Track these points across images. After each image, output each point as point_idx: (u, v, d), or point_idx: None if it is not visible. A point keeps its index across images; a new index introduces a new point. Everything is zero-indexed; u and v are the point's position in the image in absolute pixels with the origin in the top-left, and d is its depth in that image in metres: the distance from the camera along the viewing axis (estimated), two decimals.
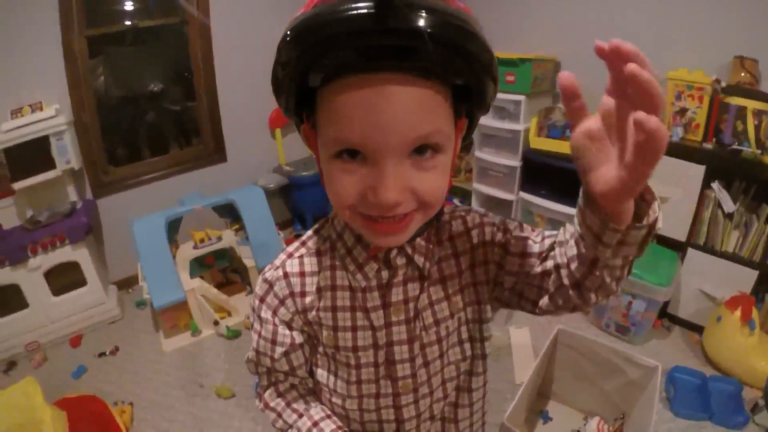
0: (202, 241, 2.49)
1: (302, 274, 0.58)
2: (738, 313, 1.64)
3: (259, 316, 0.60)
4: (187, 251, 2.45)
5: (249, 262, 2.50)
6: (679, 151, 1.80)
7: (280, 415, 0.64)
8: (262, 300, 0.60)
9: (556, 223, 2.37)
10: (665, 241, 1.94)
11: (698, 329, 1.93)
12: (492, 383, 1.81)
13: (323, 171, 0.48)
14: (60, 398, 1.80)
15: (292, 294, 0.58)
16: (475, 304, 0.62)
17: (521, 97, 2.32)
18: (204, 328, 2.41)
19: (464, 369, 0.64)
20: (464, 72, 0.42)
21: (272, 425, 0.66)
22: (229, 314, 2.50)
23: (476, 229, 0.61)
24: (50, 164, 2.30)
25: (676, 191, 1.83)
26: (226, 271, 2.84)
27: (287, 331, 0.60)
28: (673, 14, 1.96)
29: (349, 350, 0.59)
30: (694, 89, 1.77)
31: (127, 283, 2.90)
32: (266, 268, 0.61)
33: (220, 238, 2.52)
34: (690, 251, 1.88)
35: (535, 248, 0.57)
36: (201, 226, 2.59)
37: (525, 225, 0.61)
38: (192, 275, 2.42)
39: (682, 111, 1.81)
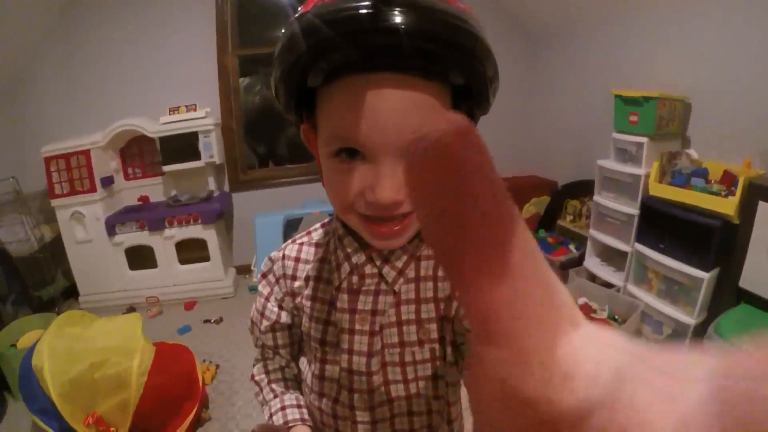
0: None
1: (297, 260, 0.61)
2: None
3: (259, 290, 0.64)
4: None
5: None
6: None
7: (261, 390, 0.67)
8: (264, 276, 0.63)
9: (670, 282, 2.05)
10: None
11: None
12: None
13: (322, 171, 0.48)
14: (159, 341, 2.04)
15: (284, 276, 0.61)
16: (441, 343, 0.57)
17: (644, 139, 2.10)
18: None
19: (436, 408, 0.58)
20: (464, 72, 0.41)
21: (255, 397, 0.69)
22: None
23: None
24: (196, 156, 2.78)
25: None
26: None
27: (276, 308, 0.62)
28: None
29: (318, 342, 0.59)
30: None
31: (246, 270, 3.23)
32: (274, 250, 0.65)
33: None
34: None
35: None
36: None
37: None
38: None
39: None
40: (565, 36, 3.04)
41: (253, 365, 0.70)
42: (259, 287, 0.64)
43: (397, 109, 0.40)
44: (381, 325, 0.55)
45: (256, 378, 0.68)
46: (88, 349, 1.59)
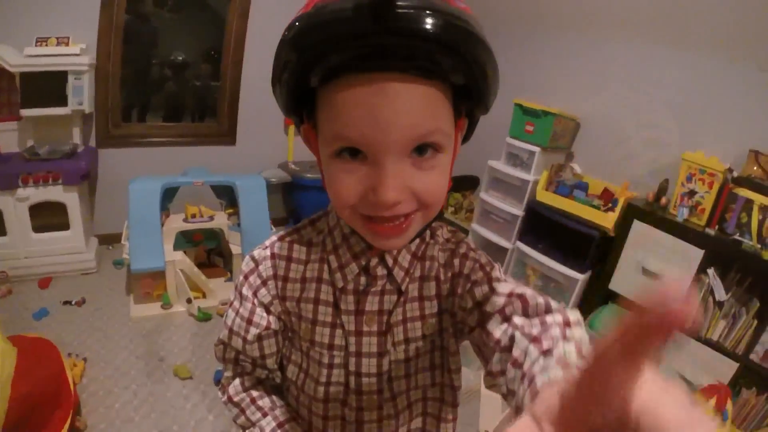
0: (193, 216, 2.46)
1: (289, 259, 0.58)
2: (712, 401, 1.63)
3: (240, 293, 0.58)
4: (177, 222, 2.42)
5: (235, 249, 2.48)
6: (681, 231, 1.83)
7: (243, 411, 0.61)
8: (246, 277, 0.58)
9: (546, 279, 2.38)
10: None
11: None
12: (459, 426, 1.76)
13: (324, 171, 0.48)
14: (15, 335, 1.72)
15: (275, 276, 0.57)
16: (440, 334, 0.60)
17: (536, 149, 2.35)
18: (176, 303, 2.36)
19: (431, 395, 0.62)
20: (464, 72, 0.41)
21: (233, 420, 0.63)
22: (204, 296, 2.45)
23: (462, 259, 0.57)
24: (62, 101, 2.27)
25: (671, 270, 1.86)
26: (211, 253, 2.81)
27: (264, 314, 0.58)
28: (697, 97, 2.01)
29: (324, 347, 0.57)
30: (706, 174, 1.81)
31: (109, 239, 2.86)
32: (256, 247, 0.60)
33: (212, 218, 2.50)
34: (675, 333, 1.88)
35: (496, 333, 0.48)
36: (196, 202, 2.56)
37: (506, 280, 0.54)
38: (176, 248, 2.38)
39: (691, 193, 1.86)
40: None
41: (225, 386, 0.63)
42: (242, 291, 0.58)
43: (398, 109, 0.40)
44: (389, 324, 0.56)
45: (235, 399, 0.61)
46: None
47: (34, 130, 2.38)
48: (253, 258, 0.58)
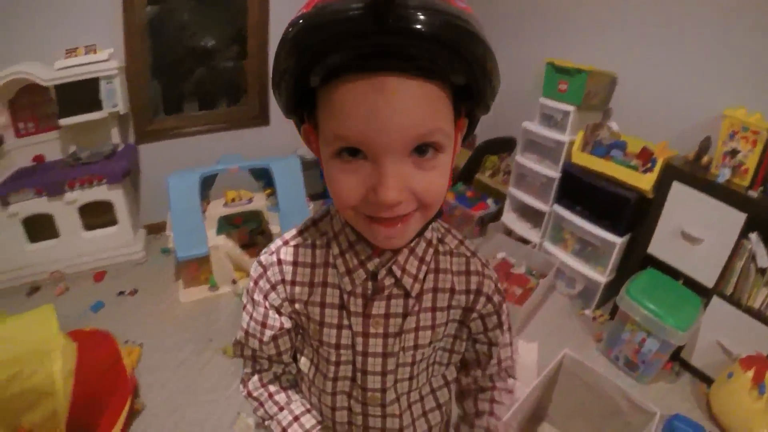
0: (233, 200, 2.54)
1: (295, 264, 0.60)
2: (750, 373, 1.54)
3: (252, 298, 0.62)
4: (218, 208, 2.51)
5: (275, 229, 2.53)
6: (723, 193, 1.68)
7: (262, 405, 0.66)
8: (255, 282, 0.61)
9: (584, 243, 2.28)
10: (692, 285, 1.83)
11: (708, 381, 1.83)
12: None
13: (324, 171, 0.48)
14: (74, 329, 1.86)
15: (283, 281, 0.60)
16: (452, 338, 0.66)
17: (571, 108, 2.22)
18: (222, 285, 2.48)
19: (433, 394, 0.69)
20: (465, 72, 0.41)
21: (254, 412, 0.68)
22: (248, 275, 2.54)
23: (476, 276, 0.63)
24: (97, 106, 2.39)
25: (712, 234, 1.72)
26: (253, 233, 2.89)
27: (277, 316, 0.61)
28: (738, 49, 1.82)
29: (332, 347, 0.61)
30: (749, 131, 1.63)
31: (156, 228, 2.99)
32: (263, 252, 0.62)
33: (250, 200, 2.57)
34: (715, 299, 1.77)
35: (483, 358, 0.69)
36: (235, 186, 2.63)
37: (506, 333, 0.69)
38: (219, 232, 2.48)
39: (733, 152, 1.68)
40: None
41: (244, 381, 0.69)
42: (254, 296, 0.62)
43: (398, 109, 0.40)
44: (400, 328, 0.59)
45: (254, 394, 0.67)
46: None
47: (75, 136, 2.52)
48: (260, 264, 0.61)
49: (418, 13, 0.36)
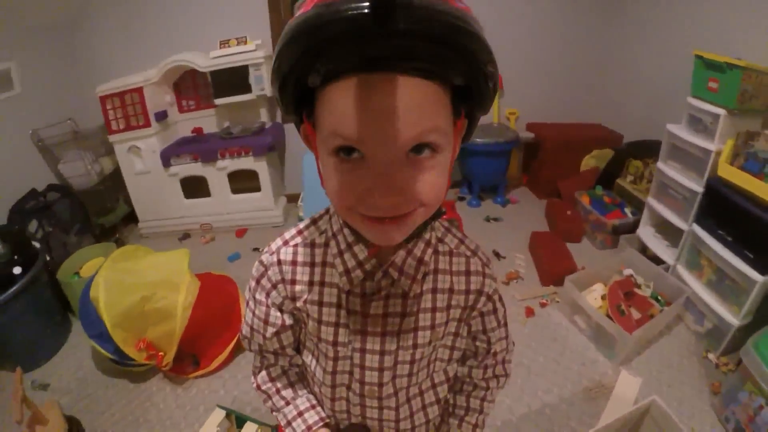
0: None
1: (294, 263, 0.61)
2: None
3: (254, 297, 0.64)
4: None
5: None
6: None
7: (270, 398, 0.72)
8: (257, 281, 0.63)
9: (723, 274, 1.90)
10: None
11: None
12: (572, 420, 1.70)
13: (322, 170, 0.49)
14: (206, 272, 2.26)
15: (283, 280, 0.61)
16: (453, 335, 0.66)
17: (722, 111, 1.83)
18: None
19: (427, 393, 0.70)
20: (464, 72, 0.41)
21: (263, 403, 0.73)
22: None
23: (477, 276, 0.63)
24: (247, 89, 2.79)
25: None
26: None
27: (278, 313, 0.64)
28: None
29: (330, 344, 0.62)
30: None
31: (296, 198, 3.31)
32: (264, 251, 0.64)
33: None
34: None
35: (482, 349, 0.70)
36: None
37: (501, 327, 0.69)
38: None
39: None
40: None
41: (254, 374, 0.73)
42: (256, 295, 0.64)
43: (397, 109, 0.40)
44: (399, 328, 0.60)
45: (263, 387, 0.72)
46: (138, 283, 1.78)
47: (228, 114, 3.01)
48: (262, 263, 0.63)
49: (418, 14, 0.36)
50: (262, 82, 2.77)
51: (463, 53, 0.39)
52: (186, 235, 3.04)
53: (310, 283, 0.60)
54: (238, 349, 2.03)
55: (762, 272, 1.67)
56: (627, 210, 2.75)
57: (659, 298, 2.13)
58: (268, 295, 0.63)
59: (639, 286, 2.21)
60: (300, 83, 0.43)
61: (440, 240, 0.62)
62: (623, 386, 1.82)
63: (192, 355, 1.94)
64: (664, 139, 2.22)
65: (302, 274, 0.61)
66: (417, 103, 0.40)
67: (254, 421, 1.48)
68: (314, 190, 2.87)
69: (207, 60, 2.70)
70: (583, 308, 2.05)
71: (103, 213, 3.00)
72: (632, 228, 2.63)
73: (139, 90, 2.73)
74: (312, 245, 0.61)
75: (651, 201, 2.39)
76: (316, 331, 0.62)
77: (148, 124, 2.78)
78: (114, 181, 3.01)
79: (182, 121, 3.09)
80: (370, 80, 0.39)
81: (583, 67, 3.30)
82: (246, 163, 2.90)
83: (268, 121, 3.08)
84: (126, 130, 2.80)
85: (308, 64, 0.40)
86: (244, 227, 3.10)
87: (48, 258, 2.30)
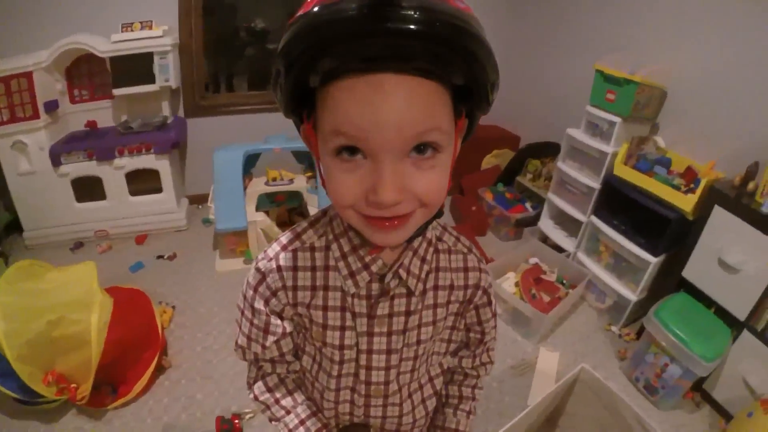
0: (274, 179, 2.61)
1: (295, 269, 0.59)
2: None
3: (252, 306, 0.62)
4: (259, 186, 2.59)
5: (314, 210, 2.56)
6: (766, 224, 1.56)
7: (269, 408, 0.69)
8: (255, 290, 0.61)
9: (619, 258, 2.22)
10: (723, 315, 1.73)
11: (727, 416, 1.74)
12: (507, 396, 1.71)
13: (323, 170, 0.48)
14: (113, 286, 2.00)
15: (284, 287, 0.59)
16: (450, 329, 0.69)
17: (617, 119, 2.14)
18: None
19: (426, 386, 0.73)
20: (464, 72, 0.41)
21: (261, 413, 0.72)
22: None
23: (474, 272, 0.65)
24: (150, 79, 2.50)
25: (750, 265, 1.61)
26: (292, 212, 2.96)
27: (279, 321, 0.62)
28: None
29: (336, 347, 0.62)
30: None
31: (199, 199, 3.13)
32: (260, 257, 0.61)
33: (291, 181, 2.63)
34: (745, 333, 1.66)
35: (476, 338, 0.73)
36: (278, 166, 2.70)
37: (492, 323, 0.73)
38: (259, 208, 2.56)
39: None
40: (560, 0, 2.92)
41: (250, 384, 0.70)
42: (254, 304, 0.61)
43: (397, 108, 0.40)
44: (405, 326, 0.61)
45: (261, 398, 0.69)
46: (43, 307, 1.51)
47: (127, 106, 2.66)
48: (259, 270, 0.60)
49: (418, 14, 0.36)
50: (168, 72, 2.49)
51: (462, 53, 0.40)
52: (79, 244, 2.62)
53: (313, 288, 0.59)
54: (158, 370, 1.83)
55: (655, 254, 2.00)
56: (528, 205, 3.05)
57: (564, 281, 2.41)
58: (267, 303, 0.60)
59: (545, 273, 2.48)
60: (300, 83, 0.42)
61: (439, 238, 0.64)
62: (544, 361, 2.04)
63: (109, 384, 1.69)
64: (564, 141, 2.50)
65: (304, 279, 0.59)
66: (418, 102, 0.40)
67: None
68: (226, 188, 2.74)
69: (107, 44, 2.35)
70: (500, 296, 2.23)
71: None
72: (533, 221, 2.92)
73: (28, 75, 2.27)
74: (312, 249, 0.59)
75: (551, 196, 2.68)
76: (321, 336, 0.61)
77: (36, 116, 2.32)
78: None
79: (74, 113, 2.63)
80: (371, 80, 0.39)
81: None
82: (147, 161, 2.60)
83: (170, 115, 2.79)
84: (10, 122, 2.32)
85: (309, 64, 0.40)
86: (145, 233, 2.78)
87: None
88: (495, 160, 3.47)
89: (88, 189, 2.58)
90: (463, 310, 0.68)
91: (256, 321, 0.62)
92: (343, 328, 0.60)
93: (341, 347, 0.62)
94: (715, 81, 1.96)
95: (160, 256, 2.59)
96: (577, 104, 2.44)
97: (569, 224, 2.64)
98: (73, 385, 1.55)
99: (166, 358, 1.90)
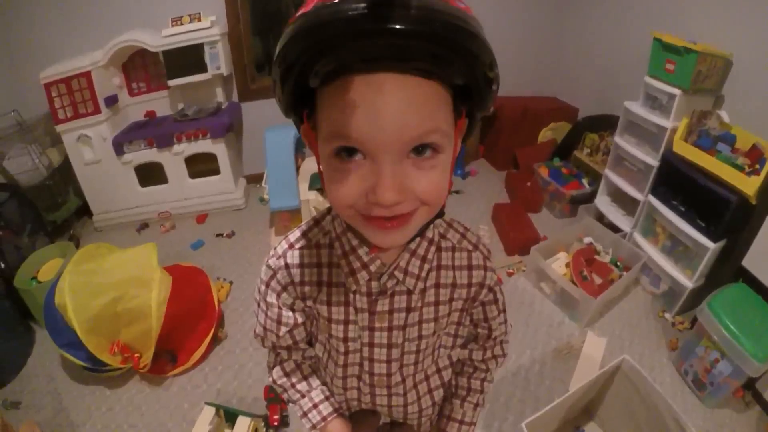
0: None
1: (301, 266, 0.62)
2: None
3: (265, 299, 0.66)
4: (311, 165, 2.63)
5: None
6: None
7: (286, 391, 0.75)
8: (267, 285, 0.65)
9: (676, 241, 2.07)
10: None
11: None
12: (547, 380, 1.77)
13: (323, 171, 0.49)
14: (173, 264, 2.18)
15: (292, 283, 0.63)
16: (455, 325, 0.70)
17: (677, 91, 1.95)
18: None
19: (433, 377, 0.74)
20: (464, 73, 0.41)
21: (280, 395, 0.77)
22: None
23: (478, 270, 0.65)
24: (202, 68, 2.63)
25: None
26: None
27: (290, 313, 0.66)
28: None
29: (341, 340, 0.65)
30: None
31: (256, 179, 3.25)
32: (270, 254, 0.65)
33: None
34: None
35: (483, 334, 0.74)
36: None
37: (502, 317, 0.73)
38: (311, 187, 2.60)
39: None
40: None
41: (269, 368, 0.76)
42: (267, 298, 0.65)
43: (397, 109, 0.40)
44: (405, 321, 0.63)
45: (279, 382, 0.74)
46: (106, 284, 1.68)
47: (182, 95, 2.82)
48: (269, 267, 0.64)
49: (417, 14, 0.36)
50: (218, 61, 2.60)
51: (462, 53, 0.39)
52: (144, 225, 2.88)
53: (319, 284, 0.62)
54: (215, 341, 1.99)
55: (713, 239, 1.84)
56: (584, 181, 2.89)
57: (618, 263, 2.29)
58: (278, 296, 0.64)
59: (599, 253, 2.36)
60: (300, 83, 0.42)
61: (442, 236, 0.63)
62: (590, 346, 1.97)
63: (168, 352, 1.87)
64: (622, 115, 2.33)
65: (310, 276, 0.62)
66: (418, 103, 0.40)
67: (245, 414, 1.47)
68: (278, 168, 2.79)
69: (158, 39, 2.49)
70: (549, 276, 2.17)
71: (53, 209, 2.76)
72: (589, 198, 2.77)
73: (86, 74, 2.47)
74: (317, 246, 0.62)
75: (608, 173, 2.52)
76: (327, 329, 0.65)
77: (97, 111, 2.55)
78: (63, 174, 2.77)
79: (133, 104, 2.86)
80: (371, 80, 0.39)
81: (540, 42, 3.35)
82: (204, 146, 2.76)
83: (225, 101, 2.93)
84: (74, 118, 2.55)
85: (308, 64, 0.40)
86: (205, 212, 2.98)
87: (2, 265, 2.11)
88: (551, 133, 3.30)
89: (151, 173, 2.80)
90: (468, 307, 0.68)
91: (269, 313, 0.66)
92: (346, 322, 0.63)
93: (345, 339, 0.65)
94: None
95: (219, 234, 2.76)
96: (635, 75, 2.26)
97: (627, 203, 2.48)
98: (136, 355, 1.74)
99: (222, 330, 2.05)
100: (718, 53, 1.88)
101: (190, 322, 1.93)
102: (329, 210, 0.63)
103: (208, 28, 2.52)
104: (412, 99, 0.40)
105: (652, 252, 2.19)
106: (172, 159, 2.75)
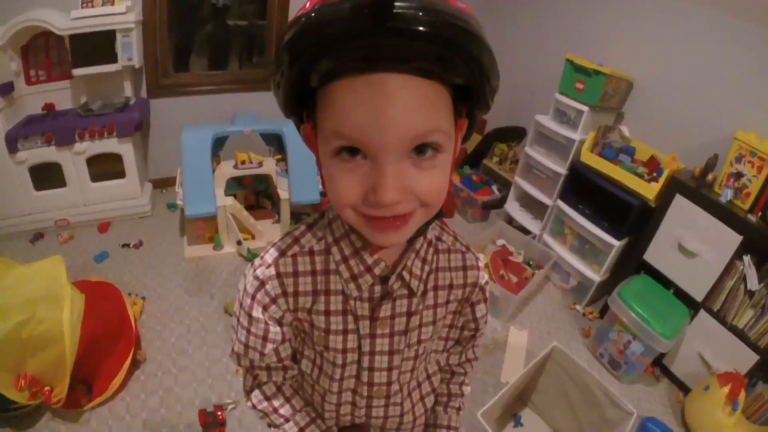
0: (243, 162, 2.52)
1: (295, 274, 0.58)
2: (726, 389, 1.61)
3: (250, 314, 0.60)
4: (227, 169, 2.50)
5: (283, 194, 2.53)
6: (722, 213, 1.72)
7: (267, 416, 0.69)
8: (252, 297, 0.59)
9: (583, 240, 2.34)
10: (682, 296, 1.90)
11: (685, 389, 1.91)
12: (479, 373, 1.80)
13: (323, 171, 0.48)
14: (80, 279, 1.92)
15: (284, 293, 0.58)
16: (448, 327, 0.71)
17: (585, 108, 2.23)
18: (226, 245, 2.52)
19: (425, 382, 0.74)
20: (464, 72, 0.41)
21: (260, 419, 0.70)
22: (253, 237, 2.59)
23: (472, 270, 0.66)
24: (112, 58, 2.34)
25: (707, 251, 1.77)
26: (260, 195, 2.91)
27: (278, 328, 0.61)
28: (758, 73, 1.83)
29: (338, 351, 0.62)
30: (756, 157, 1.66)
31: (162, 183, 3.01)
32: (257, 264, 0.60)
33: (261, 164, 2.55)
34: (702, 313, 1.83)
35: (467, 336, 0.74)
36: (246, 148, 2.61)
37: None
38: (227, 191, 2.48)
39: (738, 175, 1.72)
40: None
41: (247, 393, 0.69)
42: (252, 312, 0.59)
43: (397, 109, 0.40)
44: (407, 326, 0.62)
45: (259, 407, 0.68)
46: (9, 305, 1.42)
47: (87, 87, 2.48)
48: (257, 278, 0.58)
49: (418, 14, 0.36)
50: (131, 51, 2.34)
51: (463, 53, 0.39)
52: (39, 235, 2.46)
53: (314, 293, 0.59)
54: (133, 364, 1.78)
55: (618, 238, 2.12)
56: (494, 187, 3.14)
57: (530, 263, 2.52)
58: (266, 310, 0.59)
59: (512, 254, 2.58)
60: (300, 83, 0.42)
61: (438, 238, 0.64)
62: (514, 339, 2.15)
63: (82, 382, 1.63)
64: (532, 127, 2.58)
65: (305, 284, 0.58)
66: (418, 103, 0.41)
67: None
68: (195, 172, 2.60)
69: (66, 21, 2.16)
70: None
71: None
72: (499, 203, 3.01)
73: None
74: (311, 253, 0.59)
75: (518, 179, 2.77)
76: (323, 341, 0.61)
77: None
78: None
79: (30, 94, 2.40)
80: (371, 80, 0.39)
81: None
82: (109, 145, 2.45)
83: (133, 96, 2.63)
84: None
85: (308, 64, 0.40)
86: (107, 220, 2.64)
87: None
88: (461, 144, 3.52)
89: (47, 175, 2.41)
90: (461, 308, 0.69)
91: (253, 329, 0.60)
92: (345, 332, 0.60)
93: (344, 351, 0.61)
94: (678, 76, 2.09)
95: (126, 245, 2.48)
96: (544, 92, 2.51)
97: (535, 207, 2.74)
98: (46, 388, 1.48)
99: (140, 351, 1.84)
100: (623, 76, 2.19)
101: (105, 345, 1.70)
102: (322, 214, 0.61)
103: (123, 13, 2.26)
104: (412, 99, 0.40)
105: (562, 251, 2.45)
106: (73, 159, 2.40)
